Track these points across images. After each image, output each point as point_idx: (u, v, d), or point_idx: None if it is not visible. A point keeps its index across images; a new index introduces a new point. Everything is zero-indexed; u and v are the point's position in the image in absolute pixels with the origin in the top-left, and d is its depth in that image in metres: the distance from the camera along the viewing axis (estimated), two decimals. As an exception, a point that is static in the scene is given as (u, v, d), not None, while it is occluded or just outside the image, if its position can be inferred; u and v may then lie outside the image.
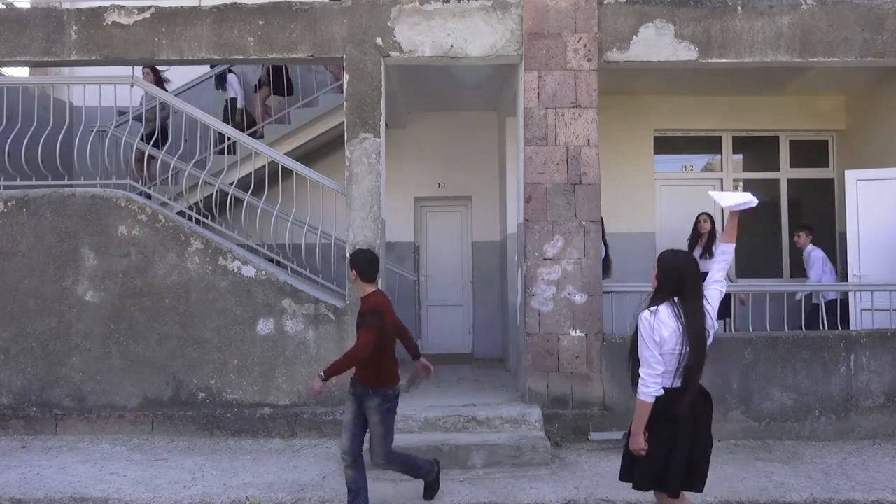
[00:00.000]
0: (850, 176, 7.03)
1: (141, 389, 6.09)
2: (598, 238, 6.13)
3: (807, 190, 8.56)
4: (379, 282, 4.73)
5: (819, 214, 8.44)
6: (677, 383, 3.25)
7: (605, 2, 6.22)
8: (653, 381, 3.23)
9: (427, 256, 9.08)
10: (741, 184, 8.72)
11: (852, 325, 6.78)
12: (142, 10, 6.29)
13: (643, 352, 3.27)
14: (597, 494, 4.71)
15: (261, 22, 6.25)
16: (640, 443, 3.27)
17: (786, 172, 8.49)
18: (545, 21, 6.16)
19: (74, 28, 6.30)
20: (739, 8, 6.22)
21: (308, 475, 5.11)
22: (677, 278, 3.34)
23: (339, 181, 6.54)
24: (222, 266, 6.14)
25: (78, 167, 6.92)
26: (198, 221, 6.66)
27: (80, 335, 6.12)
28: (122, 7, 6.31)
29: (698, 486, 3.34)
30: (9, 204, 6.20)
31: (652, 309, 3.31)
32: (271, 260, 6.74)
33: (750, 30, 6.21)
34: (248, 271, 6.14)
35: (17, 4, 6.78)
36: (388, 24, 6.18)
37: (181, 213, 6.79)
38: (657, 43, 6.21)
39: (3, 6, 6.60)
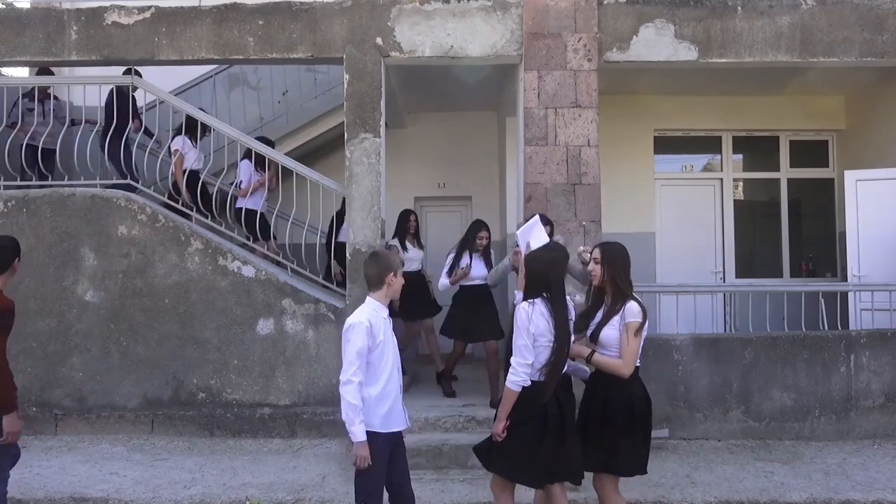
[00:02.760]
0: (850, 176, 7.04)
1: (141, 389, 6.09)
2: (599, 238, 6.12)
3: (807, 190, 8.56)
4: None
5: (819, 214, 8.45)
6: (544, 377, 3.38)
7: (605, 2, 6.21)
8: (523, 371, 3.35)
9: (427, 256, 9.07)
10: (741, 184, 8.72)
11: (852, 325, 6.78)
12: (142, 10, 6.28)
13: (518, 342, 3.37)
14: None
15: (261, 22, 6.25)
16: (500, 428, 3.40)
17: (786, 172, 8.49)
18: (545, 21, 6.16)
19: (74, 28, 6.30)
20: (739, 8, 6.22)
21: (308, 475, 5.11)
22: (545, 276, 3.46)
23: (339, 181, 6.54)
24: (222, 266, 6.14)
25: (78, 167, 6.91)
26: (198, 221, 6.66)
27: (80, 335, 6.12)
28: (122, 7, 6.31)
29: (576, 480, 3.49)
30: (9, 204, 6.20)
31: (531, 301, 3.41)
32: (271, 260, 6.74)
33: (750, 30, 6.21)
34: (248, 271, 6.14)
35: (17, 4, 6.78)
36: (388, 24, 6.18)
37: (181, 213, 6.79)
38: (657, 43, 6.21)
39: (3, 6, 6.60)
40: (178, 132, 7.01)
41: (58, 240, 6.16)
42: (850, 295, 6.84)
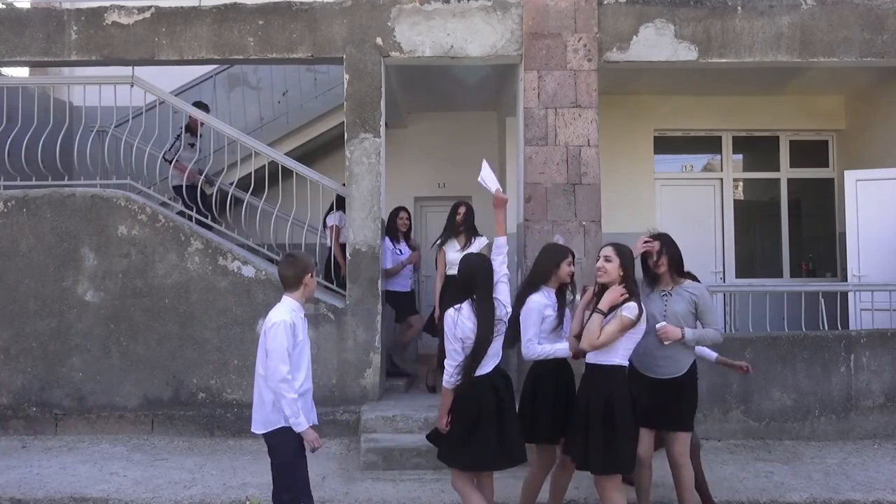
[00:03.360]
0: (850, 176, 7.04)
1: (141, 389, 6.09)
2: (599, 238, 6.12)
3: (807, 190, 8.56)
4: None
5: (819, 214, 8.45)
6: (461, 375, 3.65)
7: (605, 2, 6.22)
8: (455, 372, 3.63)
9: (427, 256, 9.07)
10: (741, 184, 8.72)
11: (852, 325, 6.78)
12: (142, 10, 6.29)
13: (448, 346, 3.68)
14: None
15: (261, 22, 6.25)
16: (443, 423, 3.75)
17: (786, 172, 8.49)
18: (545, 21, 6.16)
19: (74, 28, 6.30)
20: (739, 8, 6.22)
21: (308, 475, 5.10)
22: (470, 280, 3.72)
23: (339, 181, 6.54)
24: (222, 266, 6.14)
25: (78, 167, 6.91)
26: (198, 221, 6.65)
27: (80, 335, 6.12)
28: (122, 7, 6.31)
29: (517, 461, 3.72)
30: (9, 204, 6.20)
31: (456, 307, 3.68)
32: (271, 260, 6.73)
33: (750, 30, 6.21)
34: (248, 271, 6.14)
35: (17, 4, 6.78)
36: (388, 24, 6.18)
37: (181, 213, 6.79)
38: (657, 43, 6.21)
39: (3, 6, 6.60)
40: (331, 208, 6.92)
41: (58, 240, 6.16)
42: (850, 295, 6.84)
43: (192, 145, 7.29)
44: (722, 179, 8.44)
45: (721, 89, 7.81)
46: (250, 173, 7.52)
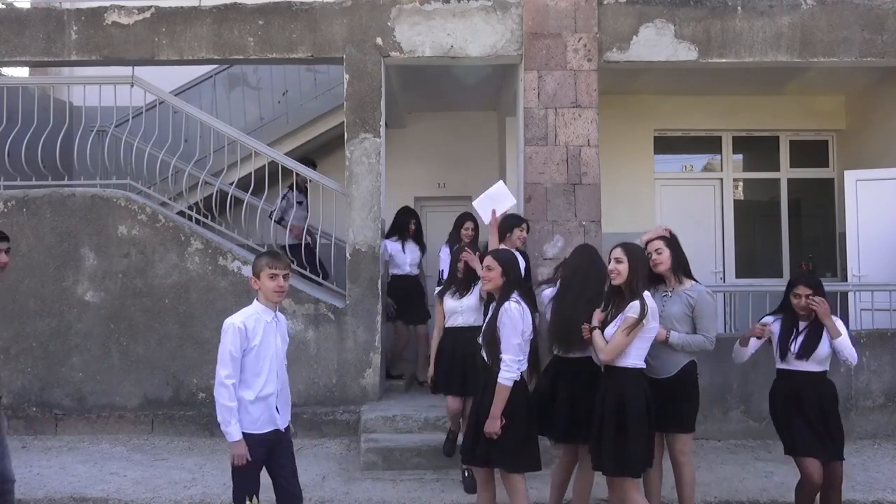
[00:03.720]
0: (850, 176, 7.03)
1: (141, 389, 6.09)
2: (599, 238, 6.12)
3: (807, 190, 8.56)
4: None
5: (819, 214, 8.45)
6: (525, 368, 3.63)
7: (605, 2, 6.22)
8: (518, 367, 3.51)
9: (427, 256, 9.06)
10: (741, 184, 8.72)
11: (852, 325, 6.78)
12: (142, 10, 6.29)
13: (512, 340, 3.50)
14: (597, 494, 4.69)
15: (261, 22, 6.25)
16: (497, 427, 3.47)
17: (786, 172, 8.49)
18: (545, 21, 6.16)
19: (74, 28, 6.30)
20: (739, 8, 6.22)
21: (308, 475, 5.10)
22: (518, 274, 3.70)
23: (339, 181, 6.54)
24: (222, 266, 6.14)
25: (78, 167, 6.91)
26: (198, 221, 6.66)
27: (80, 335, 6.12)
28: (122, 7, 6.31)
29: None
30: (9, 204, 6.20)
31: (515, 300, 3.56)
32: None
33: (750, 30, 6.21)
34: (248, 271, 6.12)
35: (17, 4, 6.78)
36: (388, 24, 6.18)
37: (181, 213, 6.80)
38: (657, 43, 6.21)
39: (3, 6, 6.60)
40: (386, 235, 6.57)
41: (58, 240, 6.16)
42: (850, 295, 6.84)
43: (301, 203, 7.23)
44: (722, 179, 8.44)
45: (721, 89, 7.81)
46: (250, 173, 7.52)
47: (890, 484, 4.89)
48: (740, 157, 8.66)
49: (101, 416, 6.08)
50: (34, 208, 6.19)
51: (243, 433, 3.36)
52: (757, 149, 8.60)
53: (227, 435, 3.34)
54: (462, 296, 4.79)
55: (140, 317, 6.11)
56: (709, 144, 8.52)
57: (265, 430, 3.47)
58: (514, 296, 3.59)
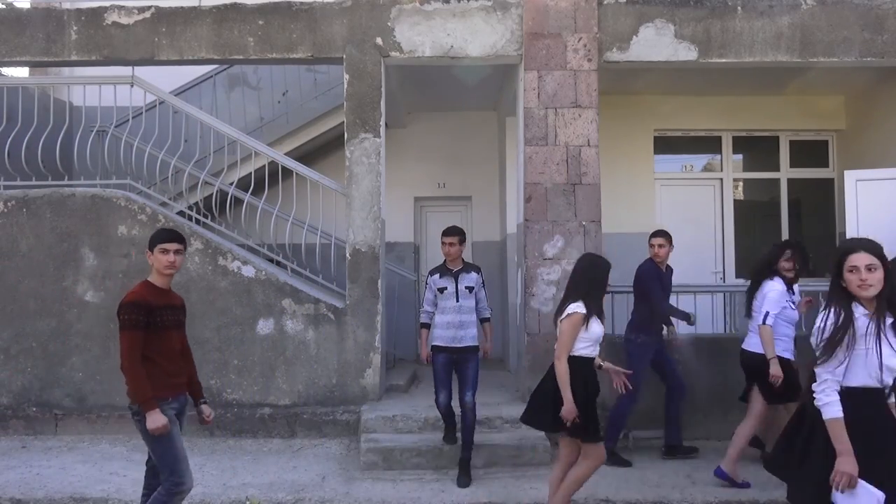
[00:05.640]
0: (850, 176, 7.02)
1: (141, 389, 6.08)
2: (599, 238, 6.12)
3: (807, 190, 8.56)
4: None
5: (819, 214, 8.44)
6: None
7: (605, 2, 6.22)
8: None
9: (427, 256, 9.07)
10: (741, 184, 8.72)
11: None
12: (142, 10, 6.29)
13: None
14: (597, 495, 4.71)
15: (261, 22, 6.25)
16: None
17: (786, 172, 8.48)
18: (545, 21, 6.16)
19: (74, 28, 6.30)
20: (739, 8, 6.22)
21: (308, 475, 5.11)
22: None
23: (339, 181, 6.54)
24: (222, 266, 6.14)
25: (78, 167, 6.91)
26: (198, 221, 6.66)
27: (80, 335, 6.12)
28: (122, 7, 6.31)
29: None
30: (9, 204, 6.20)
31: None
32: (271, 260, 6.74)
33: (750, 30, 6.21)
34: (248, 271, 6.14)
35: (17, 4, 6.78)
36: (388, 24, 6.18)
37: (181, 213, 6.80)
38: (657, 43, 6.21)
39: (3, 6, 6.60)
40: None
41: (58, 240, 6.16)
42: (850, 295, 6.82)
43: None
44: (722, 179, 8.44)
45: (721, 89, 7.81)
46: (250, 173, 7.52)
47: (890, 484, 4.88)
48: (740, 157, 8.66)
49: (101, 416, 6.08)
50: (34, 208, 6.19)
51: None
52: (757, 149, 8.60)
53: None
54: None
55: (140, 317, 6.10)
56: (709, 144, 8.52)
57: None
58: None
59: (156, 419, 3.37)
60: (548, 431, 4.77)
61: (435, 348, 5.11)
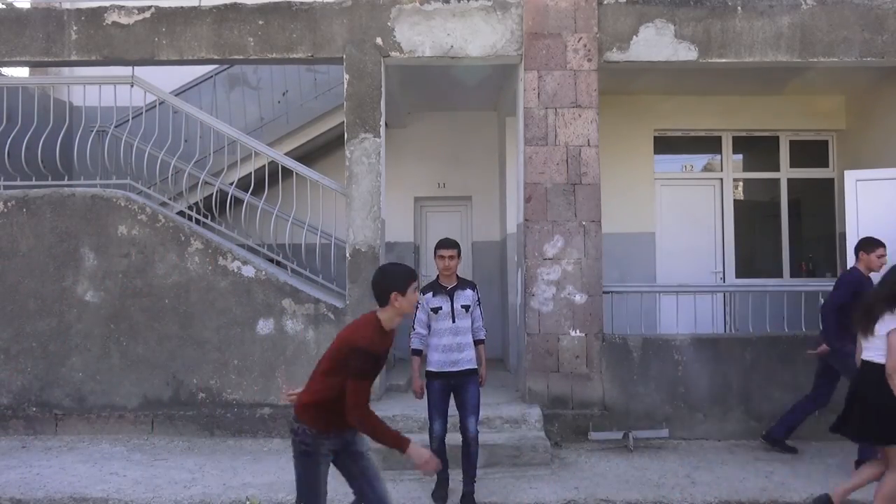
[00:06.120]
0: (850, 176, 7.02)
1: (141, 389, 6.09)
2: (599, 238, 6.13)
3: (807, 190, 8.56)
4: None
5: (819, 214, 8.45)
6: None
7: (605, 2, 6.22)
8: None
9: (427, 256, 9.07)
10: (741, 184, 8.72)
11: (852, 325, 6.76)
12: (142, 10, 6.29)
13: None
14: (597, 495, 4.71)
15: (261, 22, 6.25)
16: None
17: (786, 172, 8.48)
18: (545, 21, 6.16)
19: (74, 28, 6.30)
20: (739, 8, 6.22)
21: (308, 475, 5.10)
22: None
23: (339, 181, 6.54)
24: (222, 266, 6.14)
25: (78, 167, 6.91)
26: (198, 221, 6.66)
27: (80, 335, 6.12)
28: (122, 7, 6.31)
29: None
30: (9, 204, 6.20)
31: None
32: (271, 260, 6.74)
33: (750, 30, 6.21)
34: (248, 271, 6.14)
35: (17, 4, 6.78)
36: (388, 24, 6.18)
37: (181, 213, 6.80)
38: (657, 43, 6.21)
39: (3, 6, 6.60)
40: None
41: (58, 240, 6.16)
42: (850, 295, 6.82)
43: None
44: (722, 179, 8.44)
45: (721, 89, 7.81)
46: (250, 173, 7.52)
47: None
48: (740, 157, 8.65)
49: (101, 416, 6.08)
50: (34, 208, 6.19)
51: None
52: (757, 149, 8.60)
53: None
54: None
55: (140, 317, 6.11)
56: (709, 144, 8.52)
57: None
58: None
59: (420, 454, 3.14)
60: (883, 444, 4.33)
61: (430, 374, 4.62)
